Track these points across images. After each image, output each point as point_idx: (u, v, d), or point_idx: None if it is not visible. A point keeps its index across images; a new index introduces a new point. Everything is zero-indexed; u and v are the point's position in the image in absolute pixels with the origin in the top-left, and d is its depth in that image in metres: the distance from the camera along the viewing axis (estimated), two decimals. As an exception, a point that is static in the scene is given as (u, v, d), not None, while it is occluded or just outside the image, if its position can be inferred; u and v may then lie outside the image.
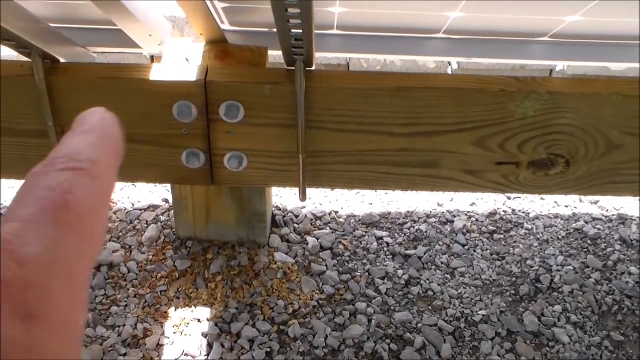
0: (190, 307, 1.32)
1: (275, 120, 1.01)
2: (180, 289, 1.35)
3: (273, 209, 1.56)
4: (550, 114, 1.00)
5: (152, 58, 1.75)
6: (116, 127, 0.35)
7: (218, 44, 1.10)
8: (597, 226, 1.55)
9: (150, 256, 1.43)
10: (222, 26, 1.09)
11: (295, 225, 1.52)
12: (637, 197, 1.65)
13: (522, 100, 0.99)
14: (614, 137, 1.03)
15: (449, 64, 1.90)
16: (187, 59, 1.10)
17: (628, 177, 1.08)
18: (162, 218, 1.55)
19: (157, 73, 0.98)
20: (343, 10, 1.01)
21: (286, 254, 1.44)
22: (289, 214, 1.55)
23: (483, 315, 1.31)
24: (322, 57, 1.82)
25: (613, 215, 1.59)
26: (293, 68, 0.95)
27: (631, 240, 1.51)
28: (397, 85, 0.98)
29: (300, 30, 0.80)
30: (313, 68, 1.01)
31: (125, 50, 1.21)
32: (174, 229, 1.49)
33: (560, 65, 1.92)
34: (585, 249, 1.48)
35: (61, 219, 0.28)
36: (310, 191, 1.64)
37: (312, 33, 0.81)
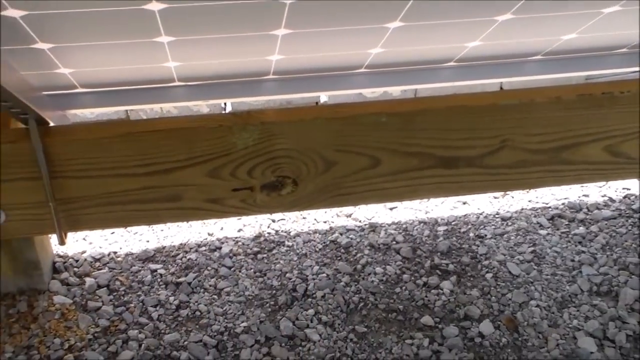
0: (-31, 357, 1.40)
1: (22, 174, 1.10)
2: (-40, 343, 1.43)
3: (54, 257, 1.65)
4: (268, 141, 1.15)
5: None
6: None
7: (-37, 112, 1.19)
8: (350, 236, 1.74)
9: None
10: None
11: (76, 269, 1.62)
12: (384, 205, 1.86)
13: (240, 132, 1.14)
14: (328, 155, 1.18)
15: (224, 108, 2.05)
16: None
17: (349, 189, 1.24)
18: (-55, 279, 1.60)
19: None
20: (280, 58, 1.13)
21: (65, 296, 1.54)
22: (70, 259, 1.65)
23: (244, 327, 1.47)
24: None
25: (365, 224, 1.79)
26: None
27: (379, 245, 1.71)
28: (125, 132, 1.10)
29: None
30: (51, 124, 1.13)
31: None
32: (-45, 288, 1.55)
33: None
34: (339, 257, 1.67)
35: None
36: (90, 236, 1.75)
37: (19, 97, 0.92)
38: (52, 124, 1.13)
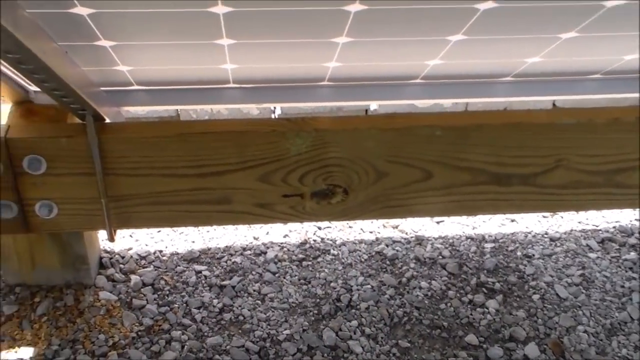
0: (15, 348, 1.41)
1: (76, 169, 1.11)
2: (5, 333, 1.44)
3: (101, 252, 1.66)
4: (321, 149, 1.15)
5: None
6: None
7: (23, 104, 1.20)
8: (396, 248, 1.73)
9: (-21, 305, 1.51)
10: (31, 88, 1.20)
11: (122, 265, 1.63)
12: (431, 218, 1.85)
13: (294, 139, 1.13)
14: (380, 165, 1.18)
15: (273, 111, 2.05)
16: (-8, 119, 1.20)
17: (399, 201, 1.23)
18: (-7, 268, 1.62)
19: (-39, 134, 1.08)
20: (337, 65, 1.14)
21: (111, 292, 1.55)
22: (116, 255, 1.66)
23: (287, 335, 1.46)
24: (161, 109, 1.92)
25: (412, 237, 1.78)
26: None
27: (424, 259, 1.69)
28: (179, 132, 1.11)
29: (63, 92, 0.92)
30: (107, 121, 1.14)
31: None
32: (3, 277, 1.57)
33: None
34: (384, 269, 1.66)
35: None
36: (137, 233, 1.76)
37: (79, 93, 0.93)
38: (107, 121, 1.14)
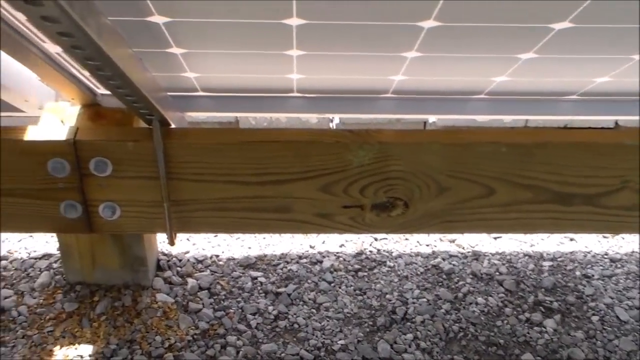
0: (75, 345, 1.43)
1: (140, 173, 1.13)
2: (66, 329, 1.46)
3: (159, 254, 1.68)
4: (383, 161, 1.15)
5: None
6: None
7: (92, 107, 1.23)
8: (453, 262, 1.72)
9: (41, 300, 1.54)
10: (99, 91, 1.22)
11: (179, 268, 1.65)
12: (490, 235, 1.83)
13: (357, 150, 1.13)
14: (442, 180, 1.17)
15: (331, 120, 2.04)
16: (62, 121, 1.22)
17: (459, 216, 1.22)
18: (55, 265, 1.65)
19: (33, 134, 1.10)
20: (403, 78, 1.15)
21: (167, 294, 1.57)
22: (174, 258, 1.68)
23: (342, 345, 1.46)
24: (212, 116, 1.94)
25: (468, 252, 1.76)
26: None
27: (481, 274, 1.68)
28: (243, 140, 1.11)
29: (134, 97, 0.93)
30: (172, 126, 1.15)
31: (13, 114, 1.33)
32: (64, 275, 1.60)
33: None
34: (440, 283, 1.65)
35: None
36: (194, 237, 1.77)
37: (149, 98, 0.94)
38: (172, 126, 1.15)
